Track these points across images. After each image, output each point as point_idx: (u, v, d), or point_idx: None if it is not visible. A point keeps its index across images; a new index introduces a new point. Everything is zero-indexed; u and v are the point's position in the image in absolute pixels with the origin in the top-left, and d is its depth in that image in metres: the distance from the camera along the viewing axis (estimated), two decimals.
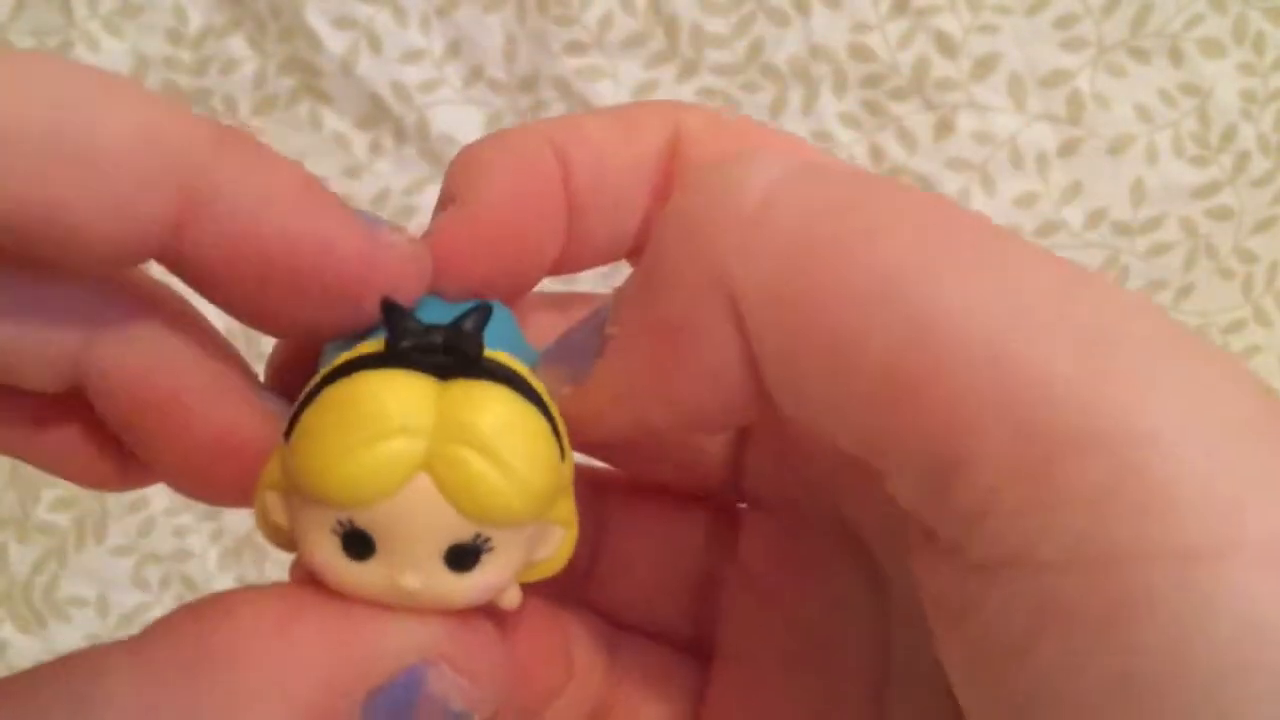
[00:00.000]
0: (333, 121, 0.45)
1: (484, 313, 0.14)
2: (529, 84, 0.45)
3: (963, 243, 0.13)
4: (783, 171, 0.14)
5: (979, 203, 0.44)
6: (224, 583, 0.46)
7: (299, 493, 0.13)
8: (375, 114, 0.45)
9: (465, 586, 0.14)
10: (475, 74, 0.45)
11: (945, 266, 0.13)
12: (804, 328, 0.13)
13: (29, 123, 0.13)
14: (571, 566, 0.16)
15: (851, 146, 0.44)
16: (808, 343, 0.13)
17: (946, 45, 0.43)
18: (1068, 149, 0.44)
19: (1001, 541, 0.12)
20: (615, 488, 0.20)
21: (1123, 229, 0.44)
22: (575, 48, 0.44)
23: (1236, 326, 0.44)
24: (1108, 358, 0.12)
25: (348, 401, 0.13)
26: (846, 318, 0.13)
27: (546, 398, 0.14)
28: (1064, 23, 0.43)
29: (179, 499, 0.47)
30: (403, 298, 0.15)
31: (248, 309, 0.15)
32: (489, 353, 0.14)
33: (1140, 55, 0.43)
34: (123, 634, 0.48)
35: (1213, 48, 0.43)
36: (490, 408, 0.13)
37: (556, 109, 0.45)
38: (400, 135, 0.45)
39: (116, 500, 0.46)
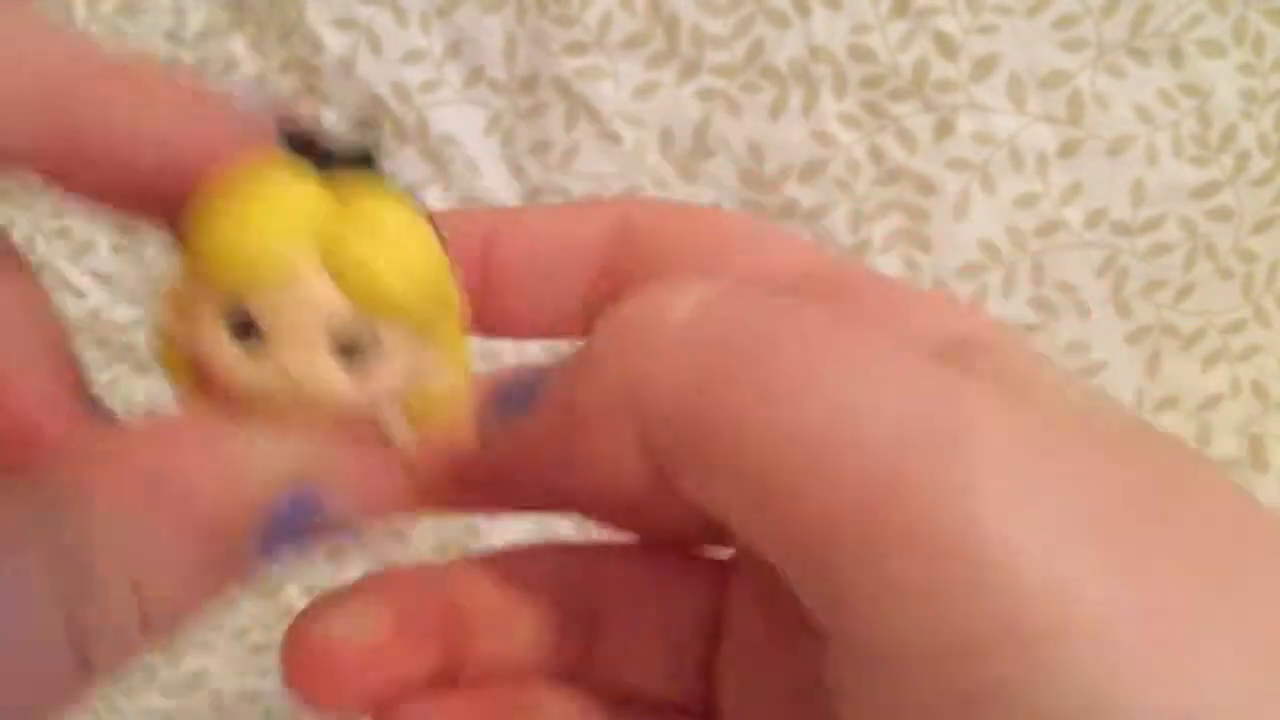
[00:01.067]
0: (333, 122, 0.45)
1: (378, 134, 0.15)
2: (529, 84, 0.45)
3: (842, 357, 0.14)
4: (698, 300, 0.15)
5: (979, 203, 0.44)
6: None
7: (196, 280, 0.14)
8: (375, 114, 0.45)
9: (350, 383, 0.14)
10: (475, 74, 0.45)
11: (818, 380, 0.14)
12: (695, 438, 0.15)
13: None
14: (569, 644, 0.17)
15: (851, 147, 0.44)
16: (698, 452, 0.15)
17: (946, 46, 0.43)
18: (1068, 149, 0.44)
19: (861, 633, 0.13)
20: (610, 558, 0.20)
21: (1123, 229, 0.44)
22: (575, 48, 0.44)
23: (1236, 326, 0.44)
24: (958, 462, 0.13)
25: (246, 190, 0.14)
26: (729, 431, 0.14)
27: (436, 224, 0.15)
28: (1064, 23, 0.43)
29: None
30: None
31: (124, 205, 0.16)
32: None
33: (1140, 56, 0.43)
34: None
35: (1213, 48, 0.43)
36: (384, 204, 0.14)
37: (557, 109, 0.45)
38: (400, 135, 0.45)
39: None
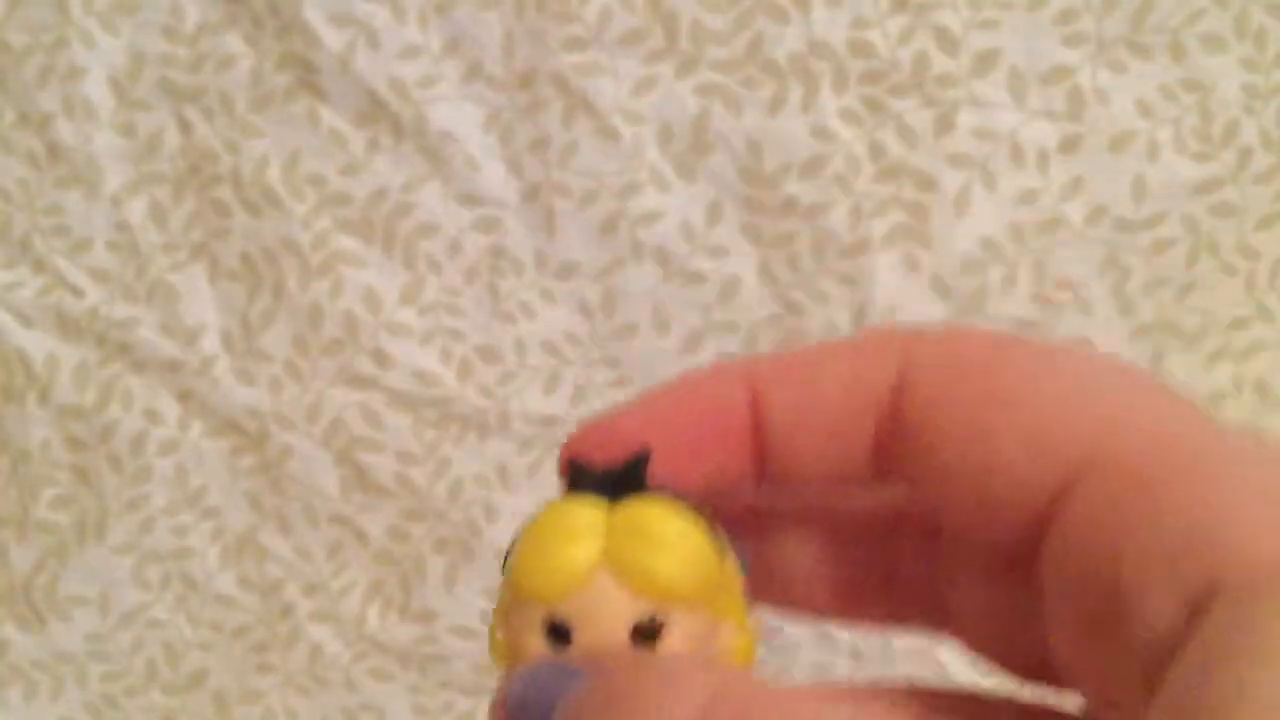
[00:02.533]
0: (330, 118, 0.45)
1: (643, 456, 0.18)
2: (527, 80, 0.45)
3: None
4: None
5: (980, 199, 0.44)
6: (224, 581, 0.46)
7: (514, 600, 0.17)
8: (373, 111, 0.45)
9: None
10: (473, 70, 0.45)
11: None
12: None
13: None
14: None
15: (852, 143, 0.44)
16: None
17: (947, 41, 0.43)
18: (1068, 145, 0.43)
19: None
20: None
21: (1124, 225, 0.44)
22: (574, 44, 0.44)
23: (1239, 324, 0.44)
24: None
25: (543, 522, 0.18)
26: None
27: (706, 515, 0.18)
28: (1064, 18, 0.43)
29: (178, 497, 0.47)
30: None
31: None
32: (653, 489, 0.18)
33: (1141, 51, 0.43)
34: (123, 633, 0.48)
35: (1214, 43, 0.43)
36: (649, 507, 0.17)
37: (555, 106, 0.44)
38: (398, 132, 0.45)
39: (116, 499, 0.46)
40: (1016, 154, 0.43)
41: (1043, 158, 0.43)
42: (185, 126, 0.46)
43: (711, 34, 0.44)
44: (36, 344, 0.45)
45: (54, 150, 0.46)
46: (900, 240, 0.44)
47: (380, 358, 0.45)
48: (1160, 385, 0.17)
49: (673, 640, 0.17)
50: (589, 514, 0.17)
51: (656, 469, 0.18)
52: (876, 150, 0.44)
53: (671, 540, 0.17)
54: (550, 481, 0.50)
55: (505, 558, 0.18)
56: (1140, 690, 0.15)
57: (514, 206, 0.45)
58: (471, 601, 0.45)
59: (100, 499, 0.46)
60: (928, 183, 0.44)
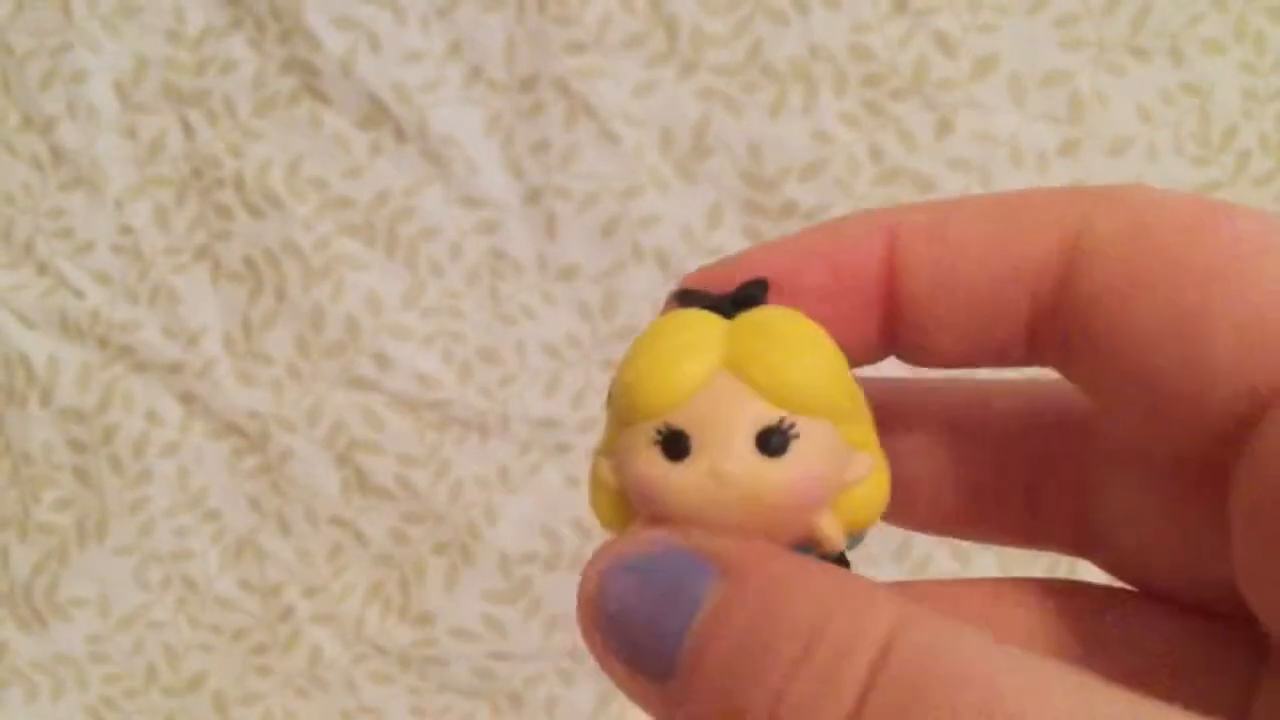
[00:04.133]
0: (333, 122, 0.45)
1: (761, 282, 0.16)
2: (529, 84, 0.45)
3: None
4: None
5: None
6: (225, 583, 0.46)
7: (624, 419, 0.15)
8: (375, 115, 0.45)
9: (777, 471, 0.14)
10: (475, 74, 0.45)
11: None
12: None
13: None
14: None
15: (851, 146, 0.44)
16: None
17: (946, 45, 0.43)
18: (1068, 149, 0.43)
19: None
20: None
21: None
22: (575, 47, 0.44)
23: None
24: None
25: (655, 331, 0.16)
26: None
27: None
28: (1064, 22, 0.43)
29: (179, 499, 0.47)
30: None
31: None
32: None
33: (1140, 55, 0.43)
34: (124, 635, 0.48)
35: (1213, 47, 0.43)
36: (773, 311, 0.16)
37: (556, 109, 0.45)
38: (400, 136, 0.45)
39: (117, 500, 0.46)
40: (1016, 157, 0.44)
41: (1042, 161, 0.44)
42: (188, 130, 0.46)
43: (712, 38, 0.44)
44: (38, 346, 0.46)
45: (57, 153, 0.46)
46: None
47: (381, 360, 0.45)
48: None
49: (805, 453, 0.14)
50: (706, 320, 0.15)
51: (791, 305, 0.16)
52: (876, 153, 0.44)
53: (801, 341, 0.15)
54: (552, 485, 0.50)
55: (611, 387, 0.16)
56: None
57: (515, 209, 0.45)
58: (471, 604, 0.45)
59: (101, 501, 0.46)
60: (927, 186, 0.44)
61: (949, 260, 0.15)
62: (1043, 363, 0.16)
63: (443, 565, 0.45)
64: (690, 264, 0.45)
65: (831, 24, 0.43)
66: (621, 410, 0.15)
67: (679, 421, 0.15)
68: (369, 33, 0.45)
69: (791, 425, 0.14)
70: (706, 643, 0.13)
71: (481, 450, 0.45)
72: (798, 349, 0.15)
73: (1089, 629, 0.16)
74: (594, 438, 0.45)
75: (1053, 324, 0.15)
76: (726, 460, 0.14)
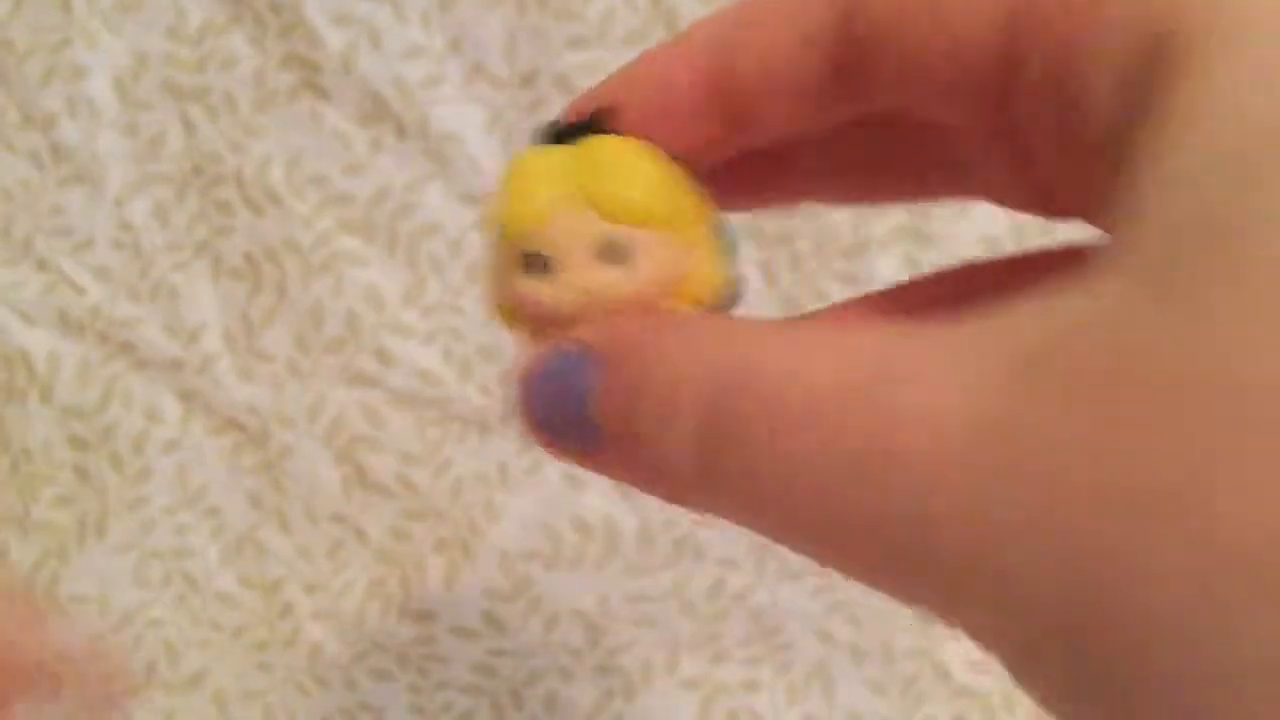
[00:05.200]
0: (333, 118, 0.45)
1: (606, 108, 0.19)
2: (530, 80, 0.45)
3: None
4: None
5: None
6: (225, 580, 0.46)
7: (496, 245, 0.19)
8: (376, 111, 0.45)
9: (623, 277, 0.18)
10: (476, 70, 0.45)
11: None
12: None
13: None
14: None
15: None
16: None
17: None
18: None
19: None
20: None
21: None
22: (576, 43, 0.44)
23: None
24: None
25: (514, 168, 0.19)
26: None
27: (670, 157, 0.19)
28: None
29: (179, 496, 0.47)
30: None
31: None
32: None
33: None
34: (124, 634, 0.48)
35: None
36: (607, 141, 0.18)
37: (558, 105, 0.44)
38: (401, 132, 0.45)
39: (117, 498, 0.46)
40: None
41: None
42: (188, 126, 0.46)
43: None
44: (38, 343, 0.45)
45: (57, 150, 0.46)
46: (902, 240, 0.44)
47: (382, 357, 0.45)
48: None
49: (642, 261, 0.18)
50: (554, 155, 0.18)
51: (631, 131, 0.19)
52: None
53: (631, 164, 0.18)
54: (553, 482, 0.50)
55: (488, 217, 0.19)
56: (1109, 173, 0.14)
57: None
58: (472, 602, 0.45)
59: (101, 498, 0.46)
60: None
61: (758, 47, 0.18)
62: (858, 96, 0.18)
63: (443, 563, 0.45)
64: None
65: None
66: (495, 238, 0.19)
67: (535, 244, 0.18)
68: (369, 29, 0.45)
69: (629, 239, 0.18)
70: (605, 417, 0.17)
71: (482, 448, 0.45)
72: (625, 172, 0.18)
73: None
74: None
75: (847, 55, 0.18)
76: (576, 274, 0.18)
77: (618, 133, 0.19)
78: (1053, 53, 0.15)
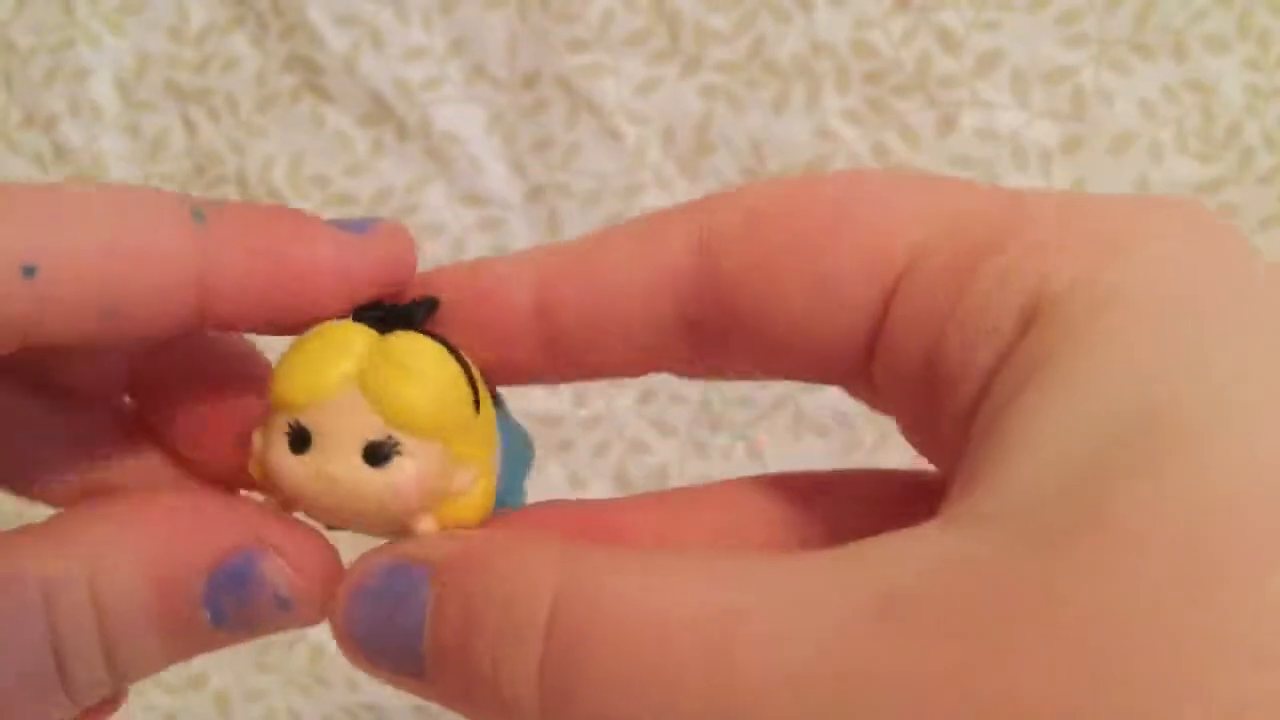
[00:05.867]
0: (334, 119, 0.45)
1: (428, 303, 0.18)
2: (531, 81, 0.45)
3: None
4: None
5: None
6: None
7: (271, 407, 0.18)
8: (377, 112, 0.45)
9: (378, 480, 0.17)
10: (477, 71, 0.45)
11: None
12: None
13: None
14: None
15: (854, 144, 0.44)
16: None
17: (949, 42, 0.43)
18: (1071, 146, 0.43)
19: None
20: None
21: None
22: (577, 45, 0.44)
23: None
24: None
25: (311, 336, 0.18)
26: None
27: (468, 361, 0.18)
28: (1067, 19, 0.43)
29: None
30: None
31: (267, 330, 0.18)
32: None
33: (1144, 51, 0.43)
34: None
35: (1217, 43, 0.43)
36: (409, 339, 0.18)
37: (558, 106, 0.45)
38: (402, 133, 0.45)
39: None
40: (1019, 155, 0.43)
41: (1045, 158, 0.43)
42: (191, 127, 0.46)
43: (714, 35, 0.44)
44: None
45: (60, 151, 0.46)
46: None
47: None
48: (962, 181, 0.17)
49: (404, 467, 0.17)
50: (353, 335, 0.18)
51: (451, 331, 0.18)
52: (879, 151, 0.44)
53: (419, 370, 0.17)
54: (554, 482, 0.50)
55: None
56: (963, 430, 0.15)
57: (517, 207, 0.45)
58: None
59: None
60: None
61: (592, 294, 0.18)
62: (712, 359, 0.18)
63: None
64: None
65: (834, 20, 0.43)
66: (270, 397, 0.18)
67: (306, 420, 0.17)
68: (371, 30, 0.45)
69: (396, 444, 0.17)
70: (436, 637, 0.16)
71: None
72: (414, 377, 0.17)
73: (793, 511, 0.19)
74: (597, 435, 0.45)
75: (703, 320, 0.17)
76: (331, 463, 0.17)
77: (431, 329, 0.18)
78: (924, 322, 0.15)
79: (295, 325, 0.18)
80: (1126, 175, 0.43)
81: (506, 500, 0.19)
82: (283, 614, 0.17)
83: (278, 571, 0.17)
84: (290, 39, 0.45)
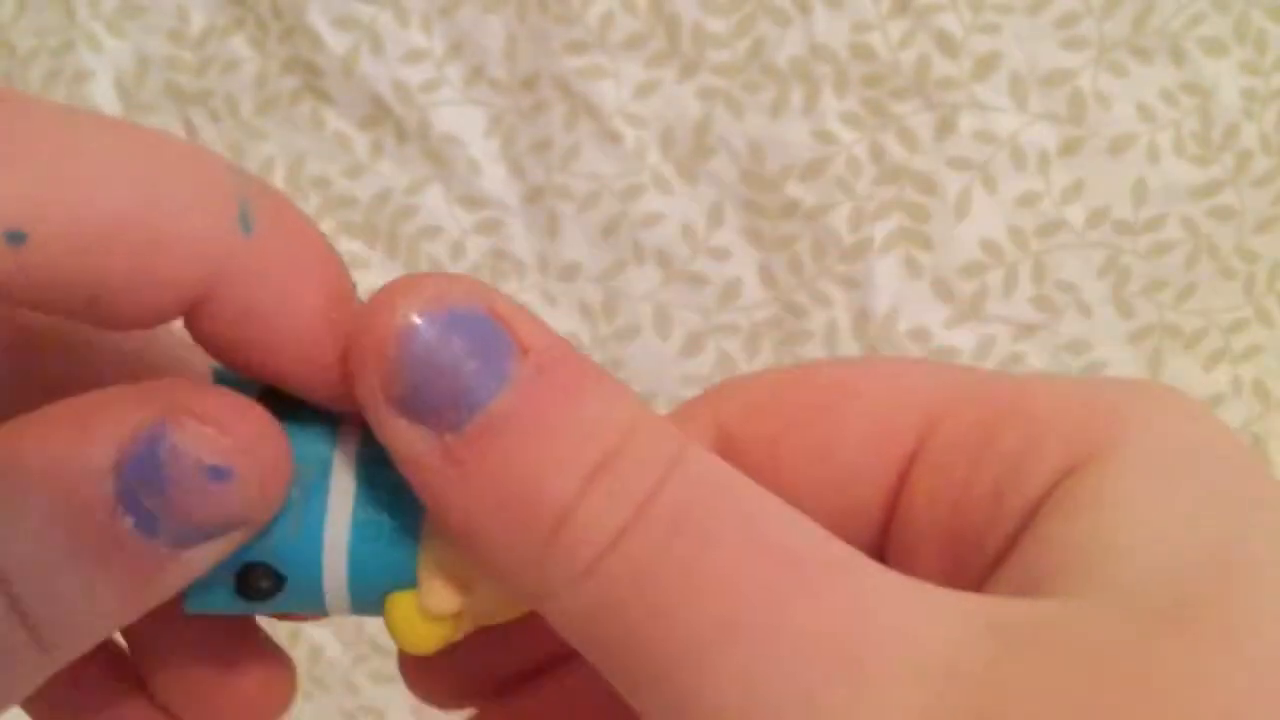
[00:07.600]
0: (334, 122, 0.45)
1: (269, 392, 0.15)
2: (530, 83, 0.45)
3: None
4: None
5: (981, 202, 0.44)
6: None
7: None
8: (377, 114, 0.45)
9: None
10: (476, 74, 0.45)
11: None
12: None
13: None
14: None
15: (852, 146, 0.44)
16: None
17: (947, 44, 0.43)
18: (1069, 148, 0.43)
19: None
20: None
21: (1124, 228, 0.44)
22: (576, 47, 0.44)
23: (1238, 326, 0.44)
24: None
25: None
26: None
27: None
28: (1065, 22, 0.43)
29: None
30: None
31: (249, 370, 0.15)
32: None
33: (1142, 54, 0.43)
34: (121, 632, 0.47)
35: (1214, 47, 0.43)
36: None
37: (557, 109, 0.45)
38: (402, 135, 0.45)
39: None
40: (1017, 157, 0.44)
41: (1043, 161, 0.44)
42: (191, 129, 0.46)
43: (713, 37, 0.44)
44: None
45: None
46: (901, 243, 0.44)
47: None
48: (963, 365, 0.18)
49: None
50: None
51: None
52: (877, 153, 0.44)
53: None
54: None
55: None
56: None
57: (516, 209, 0.45)
58: None
59: None
60: (928, 185, 0.44)
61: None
62: None
63: None
64: (692, 264, 0.46)
65: (833, 23, 0.43)
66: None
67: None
68: (371, 32, 0.45)
69: None
70: (507, 420, 0.13)
71: None
72: None
73: None
74: None
75: None
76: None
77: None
78: (943, 490, 0.16)
79: (274, 380, 0.15)
80: (1124, 178, 0.43)
81: None
82: (224, 490, 0.14)
83: (196, 437, 0.13)
84: (290, 41, 0.45)
